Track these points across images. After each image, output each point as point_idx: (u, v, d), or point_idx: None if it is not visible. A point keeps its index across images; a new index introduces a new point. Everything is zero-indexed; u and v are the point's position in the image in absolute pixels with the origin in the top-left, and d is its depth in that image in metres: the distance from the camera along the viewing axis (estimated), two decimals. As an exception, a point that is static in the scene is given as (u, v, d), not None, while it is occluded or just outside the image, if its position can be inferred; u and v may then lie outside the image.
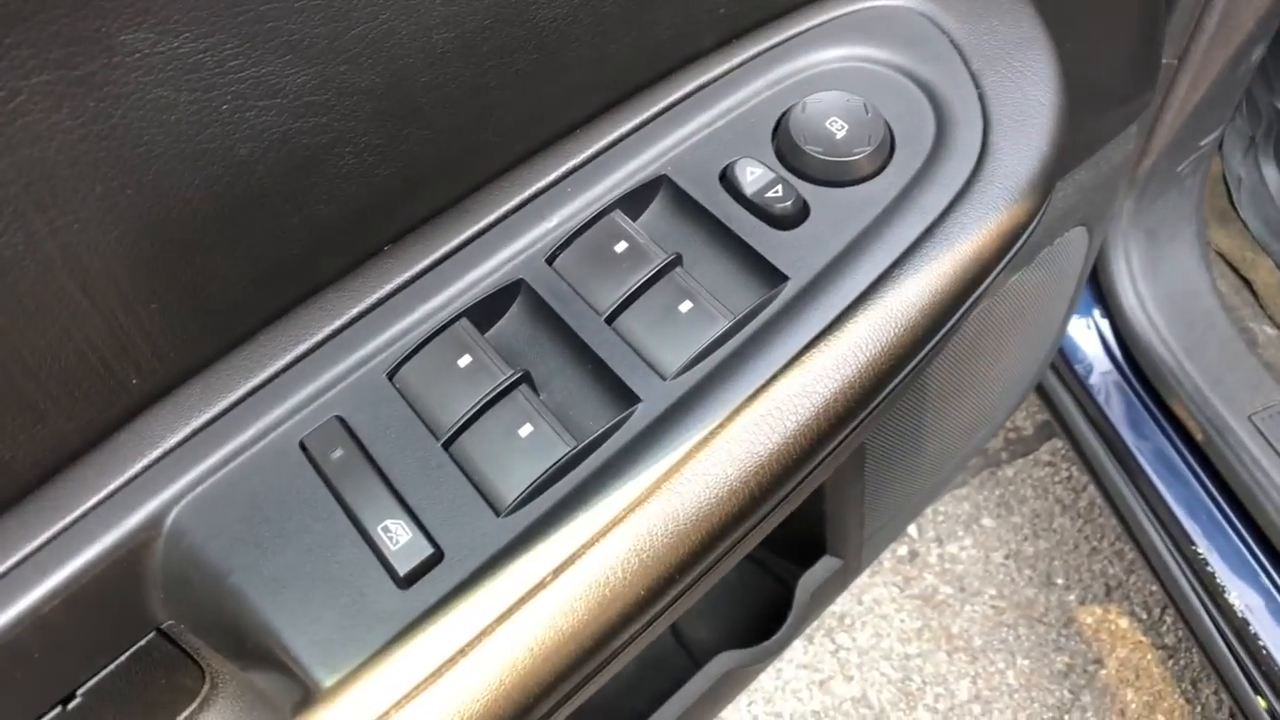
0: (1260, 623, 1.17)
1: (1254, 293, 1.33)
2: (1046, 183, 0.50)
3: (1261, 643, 1.16)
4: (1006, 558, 1.68)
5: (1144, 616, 1.62)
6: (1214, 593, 1.21)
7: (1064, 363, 1.33)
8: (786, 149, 0.50)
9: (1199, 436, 1.24)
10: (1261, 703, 1.18)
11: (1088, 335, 1.32)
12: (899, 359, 0.46)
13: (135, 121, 0.38)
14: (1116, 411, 1.29)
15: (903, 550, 1.68)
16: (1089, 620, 1.63)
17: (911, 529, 1.70)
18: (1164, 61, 1.11)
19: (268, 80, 0.40)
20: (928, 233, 0.47)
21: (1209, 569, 1.21)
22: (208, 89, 0.39)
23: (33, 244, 0.37)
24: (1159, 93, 1.14)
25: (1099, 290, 1.30)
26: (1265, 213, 1.40)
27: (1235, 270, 1.35)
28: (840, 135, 0.50)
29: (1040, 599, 1.64)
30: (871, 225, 0.48)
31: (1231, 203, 1.40)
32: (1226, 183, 1.42)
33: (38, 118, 0.35)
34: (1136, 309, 1.28)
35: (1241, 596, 1.19)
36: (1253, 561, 1.19)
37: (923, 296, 0.46)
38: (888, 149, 0.50)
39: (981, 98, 0.52)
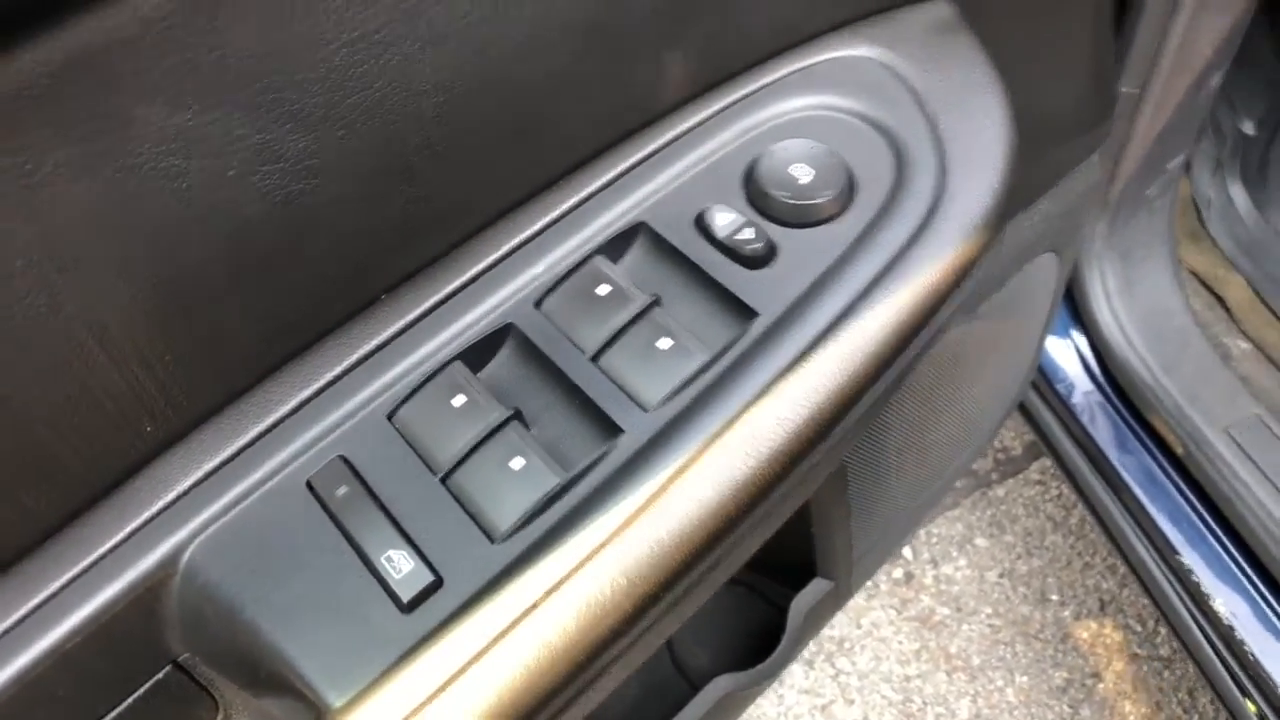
0: (1245, 628, 1.19)
1: (1227, 309, 1.37)
2: (999, 218, 0.54)
3: (1248, 648, 1.19)
4: (1001, 576, 1.70)
5: (1138, 629, 1.64)
6: (1200, 601, 1.23)
7: (1046, 383, 1.36)
8: (756, 194, 0.54)
9: (1179, 450, 1.27)
10: (1251, 707, 1.21)
11: (1068, 355, 1.35)
12: (863, 385, 0.49)
13: (149, 188, 0.41)
14: (1099, 429, 1.32)
15: (898, 573, 1.71)
16: (1085, 635, 1.65)
17: (906, 551, 1.72)
18: (1127, 90, 1.16)
19: (271, 146, 0.43)
20: (888, 268, 0.51)
21: (1194, 578, 1.23)
22: (216, 156, 0.42)
23: (55, 304, 0.41)
24: (1125, 120, 1.18)
25: (1077, 311, 1.34)
26: (1235, 231, 1.44)
27: (1208, 288, 1.39)
28: (805, 180, 0.53)
29: (1036, 616, 1.66)
30: (835, 263, 0.51)
31: (1202, 222, 1.44)
32: (1196, 203, 1.46)
33: (61, 189, 0.39)
34: (1114, 328, 1.31)
35: (1227, 603, 1.21)
36: (1235, 569, 1.22)
37: (883, 328, 0.49)
38: (850, 191, 0.54)
39: (938, 140, 0.56)
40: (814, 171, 0.54)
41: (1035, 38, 0.71)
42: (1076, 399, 1.34)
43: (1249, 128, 1.55)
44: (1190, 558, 1.25)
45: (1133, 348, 1.30)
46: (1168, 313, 1.32)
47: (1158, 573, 1.29)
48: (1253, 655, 1.19)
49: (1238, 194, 1.47)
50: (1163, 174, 1.26)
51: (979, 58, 0.59)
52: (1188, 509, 1.26)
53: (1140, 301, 1.31)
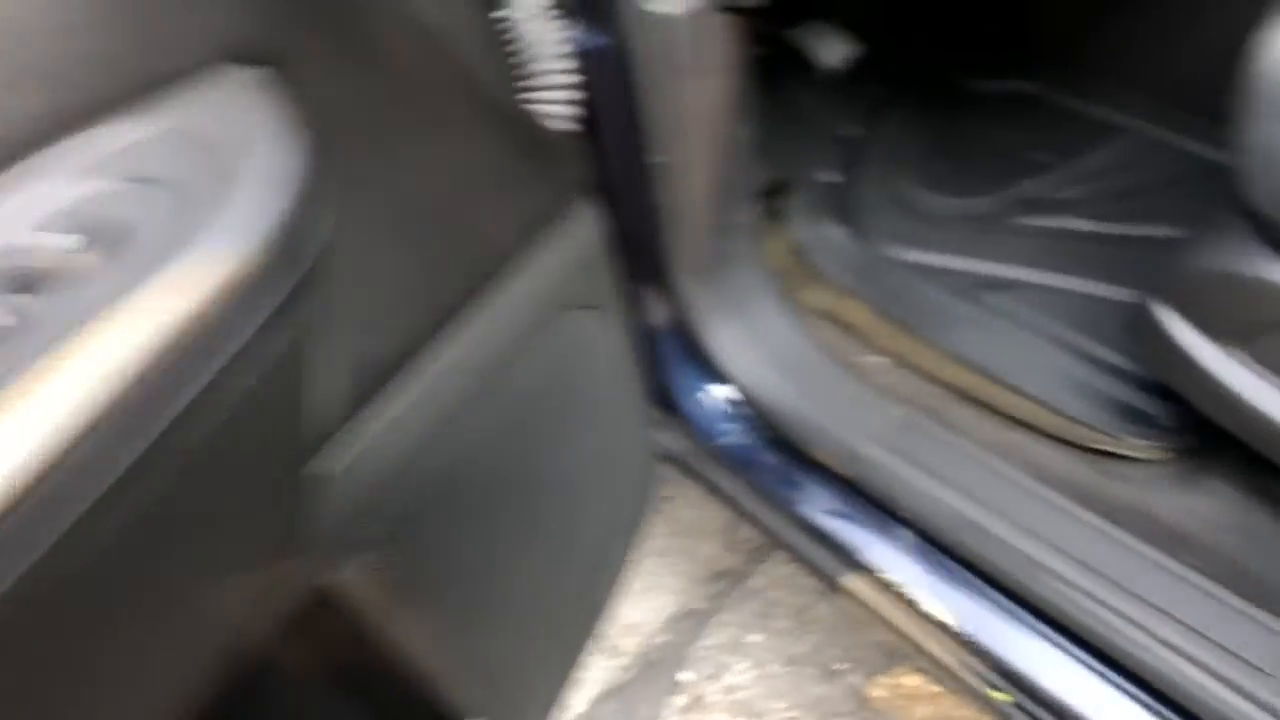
0: (966, 623, 1.17)
1: (853, 331, 1.43)
2: (289, 236, 0.54)
3: (974, 640, 1.16)
4: (784, 665, 1.63)
5: (927, 668, 1.60)
6: (919, 611, 1.21)
7: (716, 448, 1.36)
8: (18, 275, 0.51)
9: (848, 473, 1.27)
10: (1004, 697, 1.17)
11: (722, 413, 1.36)
12: (118, 412, 0.46)
13: None
14: (773, 478, 1.32)
15: (683, 700, 1.61)
16: (882, 693, 1.59)
17: (684, 674, 1.64)
18: (661, 160, 1.23)
19: None
20: (141, 295, 0.49)
21: (902, 590, 1.21)
22: None
23: None
24: (673, 187, 1.25)
25: (717, 371, 1.36)
26: (843, 264, 1.53)
27: (833, 318, 1.45)
28: (66, 248, 0.52)
29: (831, 692, 1.60)
30: (89, 309, 0.49)
31: (810, 263, 1.52)
32: (802, 248, 1.55)
33: None
34: (753, 378, 1.34)
35: (942, 604, 1.19)
36: (935, 568, 1.21)
37: (134, 348, 0.47)
38: (122, 245, 0.53)
39: (225, 180, 0.56)
40: (79, 239, 0.53)
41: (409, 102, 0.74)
42: (742, 455, 1.34)
43: (833, 177, 1.69)
44: (896, 574, 1.23)
45: (776, 391, 1.32)
46: (793, 350, 1.36)
47: (881, 600, 1.27)
48: (979, 645, 1.16)
49: (837, 233, 1.58)
50: (736, 230, 1.33)
51: (273, 108, 0.61)
52: (877, 527, 1.25)
53: (765, 346, 1.35)
